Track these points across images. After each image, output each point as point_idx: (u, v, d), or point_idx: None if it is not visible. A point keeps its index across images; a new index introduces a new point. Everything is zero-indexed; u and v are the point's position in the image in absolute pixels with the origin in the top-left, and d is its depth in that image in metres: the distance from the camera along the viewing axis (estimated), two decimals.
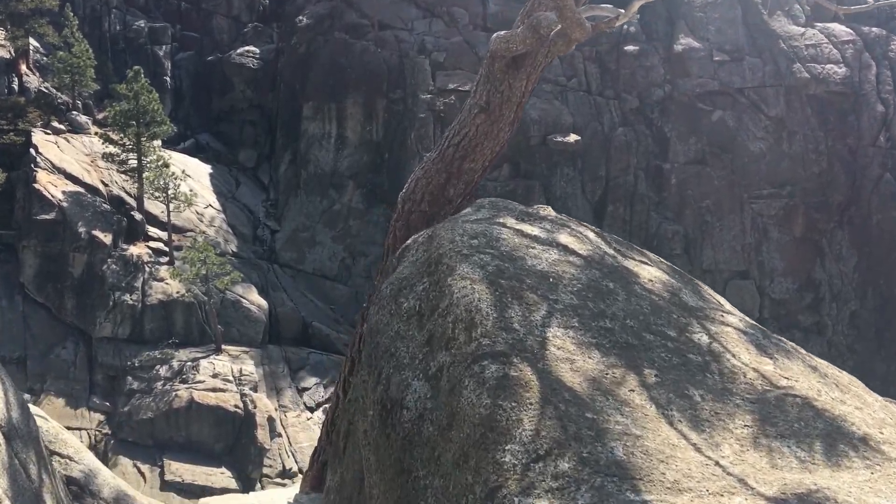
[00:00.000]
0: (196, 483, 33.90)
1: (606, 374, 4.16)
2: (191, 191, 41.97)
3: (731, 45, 43.72)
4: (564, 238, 5.32)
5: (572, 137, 42.99)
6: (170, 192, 39.64)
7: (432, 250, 5.18)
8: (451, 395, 4.19)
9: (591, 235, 5.51)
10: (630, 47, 44.27)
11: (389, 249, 9.54)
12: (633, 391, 4.07)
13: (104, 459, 34.19)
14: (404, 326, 4.89)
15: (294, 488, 10.94)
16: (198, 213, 43.74)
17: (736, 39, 43.92)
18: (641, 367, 4.27)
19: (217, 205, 45.28)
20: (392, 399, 4.60)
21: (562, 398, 3.89)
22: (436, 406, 4.28)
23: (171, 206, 39.90)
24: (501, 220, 5.45)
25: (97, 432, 35.52)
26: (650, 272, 5.35)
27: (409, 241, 6.06)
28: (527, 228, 5.38)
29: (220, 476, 34.58)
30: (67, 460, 9.09)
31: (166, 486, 34.03)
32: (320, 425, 38.44)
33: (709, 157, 42.44)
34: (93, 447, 34.55)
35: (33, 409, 9.71)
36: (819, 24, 44.39)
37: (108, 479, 9.48)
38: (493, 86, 8.69)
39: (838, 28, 43.95)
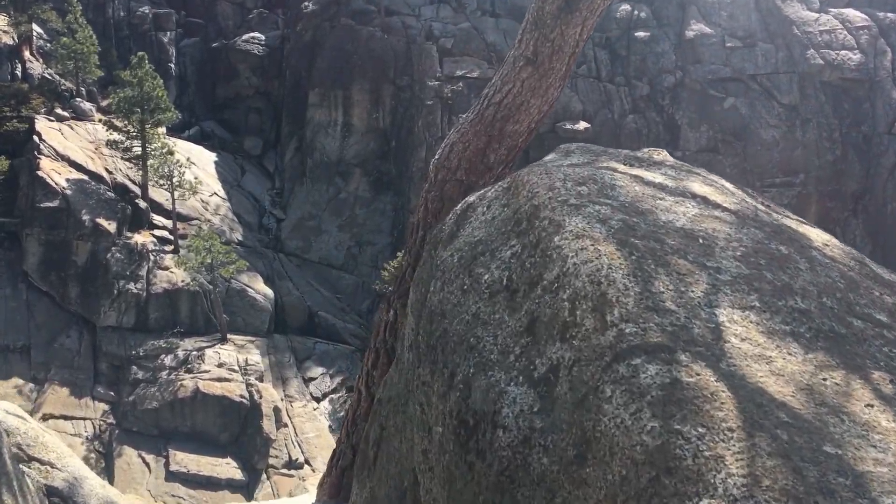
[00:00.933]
0: (201, 473, 32.77)
1: (823, 379, 2.61)
2: (195, 179, 40.53)
3: (743, 31, 42.03)
4: (698, 187, 3.76)
5: (582, 125, 41.39)
6: (174, 179, 38.26)
7: (521, 202, 3.62)
8: (581, 410, 2.63)
9: (730, 186, 3.96)
10: (641, 33, 42.56)
11: (419, 224, 8.02)
12: (873, 407, 2.52)
13: (108, 449, 32.87)
14: (487, 307, 3.34)
15: (309, 496, 9.45)
16: (203, 201, 42.34)
17: (748, 25, 42.24)
18: (865, 367, 2.72)
19: (222, 193, 43.86)
20: (476, 412, 3.05)
21: (776, 420, 2.34)
22: (551, 426, 2.73)
23: (176, 193, 38.55)
24: (607, 165, 3.90)
25: (101, 422, 34.41)
26: (819, 234, 3.79)
27: (471, 199, 4.48)
28: (646, 175, 3.82)
29: (226, 466, 33.40)
30: (48, 467, 7.59)
31: (171, 476, 32.89)
32: (327, 415, 37.17)
33: (721, 145, 40.79)
34: (97, 437, 33.39)
35: (7, 406, 8.18)
36: (833, 9, 42.72)
37: (97, 488, 8.01)
38: (542, 33, 7.10)
39: (853, 14, 42.28)
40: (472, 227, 3.97)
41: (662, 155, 4.23)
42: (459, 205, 5.53)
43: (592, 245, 3.05)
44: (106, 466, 32.98)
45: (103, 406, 34.87)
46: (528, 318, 3.11)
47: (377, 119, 44.15)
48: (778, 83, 41.19)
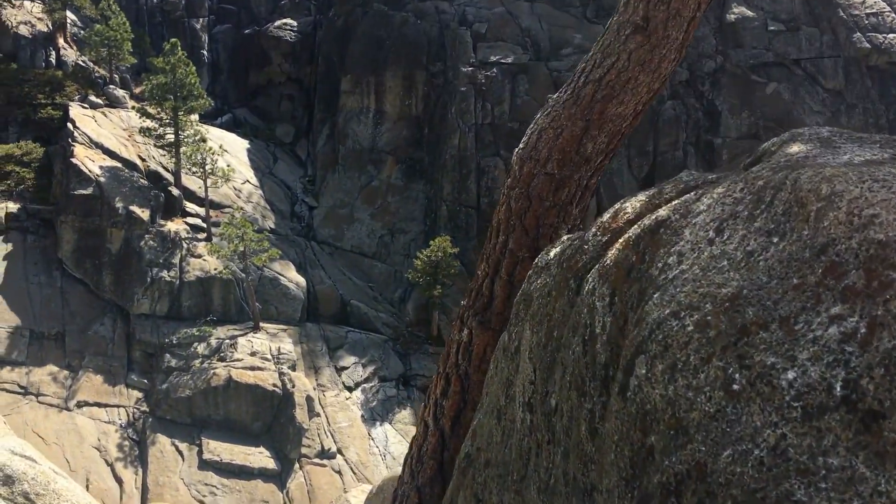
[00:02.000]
0: (234, 462, 31.83)
1: None
2: (228, 166, 39.30)
3: (786, 14, 39.62)
4: None
5: None
6: (207, 167, 37.08)
7: (834, 233, 1.93)
8: None
9: None
10: None
11: (500, 227, 6.37)
12: None
13: (142, 437, 31.89)
14: (801, 437, 1.67)
15: None
16: (235, 188, 41.11)
17: (792, 8, 39.83)
18: None
19: (254, 180, 42.61)
20: None
21: None
22: None
23: (209, 181, 37.39)
24: None
25: (135, 409, 33.53)
26: None
27: (660, 213, 2.77)
28: None
29: (259, 456, 32.38)
30: None
31: (204, 465, 31.95)
32: (359, 405, 35.62)
33: (762, 132, 38.51)
34: (131, 424, 32.57)
35: (15, 444, 6.68)
36: None
37: None
38: None
39: None
40: (700, 267, 2.29)
41: None
42: (609, 215, 3.80)
43: None
44: (139, 454, 32.09)
45: (137, 394, 34.00)
46: None
47: (410, 106, 42.45)
48: (822, 68, 38.77)
